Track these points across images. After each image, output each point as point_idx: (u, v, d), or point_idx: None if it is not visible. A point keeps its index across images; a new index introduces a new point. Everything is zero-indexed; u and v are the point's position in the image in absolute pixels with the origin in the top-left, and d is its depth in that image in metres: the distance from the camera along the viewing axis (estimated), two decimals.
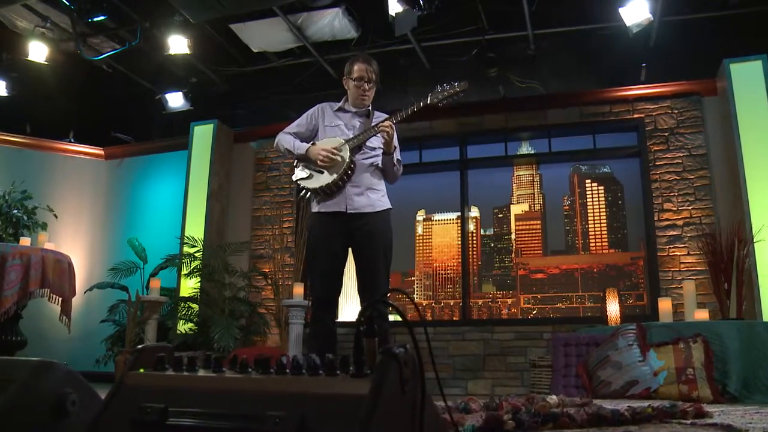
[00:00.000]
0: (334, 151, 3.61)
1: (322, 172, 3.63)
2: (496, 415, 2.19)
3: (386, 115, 3.81)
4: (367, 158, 3.71)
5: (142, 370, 1.14)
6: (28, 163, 7.61)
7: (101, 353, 6.70)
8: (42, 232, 6.56)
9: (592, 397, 4.20)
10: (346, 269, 3.74)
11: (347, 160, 3.58)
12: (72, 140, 8.00)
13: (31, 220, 6.74)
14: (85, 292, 6.98)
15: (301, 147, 3.73)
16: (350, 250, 3.74)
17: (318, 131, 3.86)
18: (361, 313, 1.04)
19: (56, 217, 7.12)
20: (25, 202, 6.76)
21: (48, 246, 6.11)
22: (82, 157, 8.05)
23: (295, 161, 3.81)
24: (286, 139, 3.83)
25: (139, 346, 1.20)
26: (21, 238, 6.22)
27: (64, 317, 5.90)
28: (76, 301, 6.62)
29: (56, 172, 7.81)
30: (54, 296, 5.79)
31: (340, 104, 3.85)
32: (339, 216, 3.61)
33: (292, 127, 3.90)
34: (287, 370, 1.03)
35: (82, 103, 7.87)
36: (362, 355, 0.98)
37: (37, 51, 6.59)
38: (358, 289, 3.73)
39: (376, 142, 3.72)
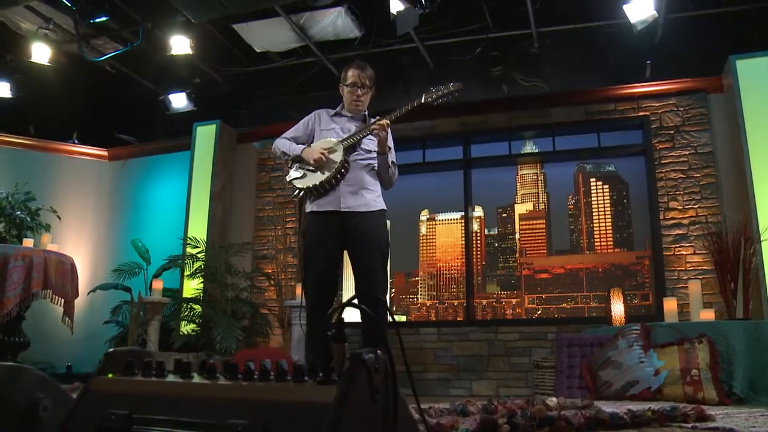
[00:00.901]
0: (325, 151, 3.62)
1: (316, 171, 3.63)
2: (490, 418, 2.15)
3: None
4: (362, 159, 3.70)
5: (110, 375, 1.11)
6: (31, 164, 7.62)
7: None
8: (45, 234, 6.56)
9: (595, 398, 4.16)
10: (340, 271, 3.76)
11: (340, 159, 3.58)
12: (75, 141, 7.99)
13: (34, 222, 6.73)
14: (88, 293, 6.97)
15: (297, 149, 3.76)
16: (346, 251, 3.74)
17: (314, 136, 3.88)
18: (328, 317, 1.00)
19: (59, 218, 7.11)
20: (28, 204, 6.75)
21: (51, 247, 6.10)
22: (86, 158, 8.05)
23: (290, 162, 3.82)
24: (282, 143, 3.87)
25: (109, 350, 1.17)
26: (24, 239, 6.21)
27: (67, 318, 5.90)
28: (80, 302, 6.62)
29: (60, 174, 7.81)
30: (56, 297, 5.79)
31: (336, 110, 3.87)
32: (333, 215, 3.59)
33: (290, 132, 3.94)
34: (255, 376, 0.99)
35: (86, 105, 7.86)
36: (330, 360, 0.94)
37: (40, 52, 6.59)
38: (355, 291, 3.72)
39: (372, 145, 3.72)
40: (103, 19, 6.36)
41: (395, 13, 5.61)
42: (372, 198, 3.69)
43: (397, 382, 0.98)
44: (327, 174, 3.58)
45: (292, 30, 6.41)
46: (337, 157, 3.60)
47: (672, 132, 6.10)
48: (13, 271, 5.49)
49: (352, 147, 3.66)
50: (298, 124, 3.94)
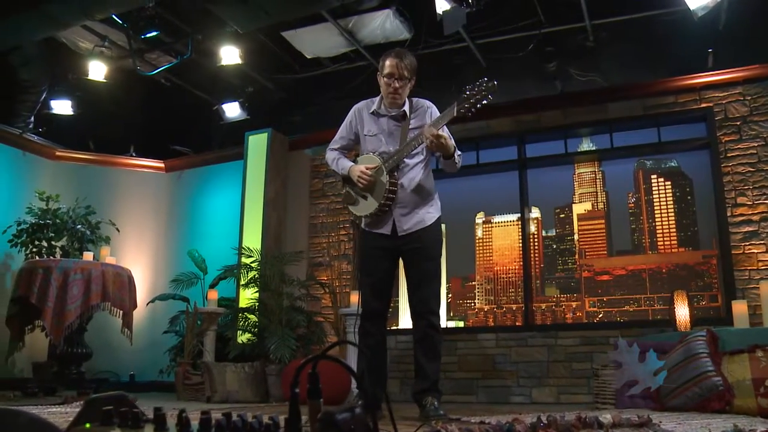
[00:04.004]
0: (370, 174, 3.57)
1: (366, 197, 3.62)
2: None
3: (427, 102, 3.73)
4: (408, 171, 3.64)
5: (87, 426, 1.05)
6: (91, 178, 7.81)
7: (166, 363, 6.79)
8: (104, 246, 6.71)
9: (660, 409, 3.93)
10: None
11: (386, 184, 3.54)
12: (133, 154, 8.17)
13: (95, 235, 6.90)
14: (147, 304, 7.10)
15: (344, 167, 3.74)
16: (401, 260, 3.75)
17: (359, 139, 3.87)
18: (299, 370, 0.90)
19: (118, 230, 7.26)
20: (88, 217, 6.92)
21: (109, 260, 6.25)
22: (143, 170, 8.21)
23: (341, 182, 3.85)
24: (331, 159, 3.88)
25: (93, 396, 1.10)
26: (84, 252, 6.37)
27: (126, 330, 6.03)
28: (141, 312, 6.76)
29: (118, 187, 7.99)
30: (115, 309, 5.93)
31: (375, 105, 3.77)
32: (388, 237, 3.61)
33: (336, 140, 3.92)
34: None
35: (142, 118, 8.02)
36: (299, 420, 0.84)
37: (97, 70, 6.77)
38: (409, 299, 3.75)
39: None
40: (155, 33, 6.48)
41: (441, 13, 5.50)
42: (425, 212, 3.66)
43: None
44: (377, 203, 3.55)
45: (340, 35, 6.40)
46: (383, 180, 3.55)
47: (738, 123, 5.75)
48: (73, 284, 5.66)
49: (396, 166, 3.59)
50: (341, 128, 3.91)
